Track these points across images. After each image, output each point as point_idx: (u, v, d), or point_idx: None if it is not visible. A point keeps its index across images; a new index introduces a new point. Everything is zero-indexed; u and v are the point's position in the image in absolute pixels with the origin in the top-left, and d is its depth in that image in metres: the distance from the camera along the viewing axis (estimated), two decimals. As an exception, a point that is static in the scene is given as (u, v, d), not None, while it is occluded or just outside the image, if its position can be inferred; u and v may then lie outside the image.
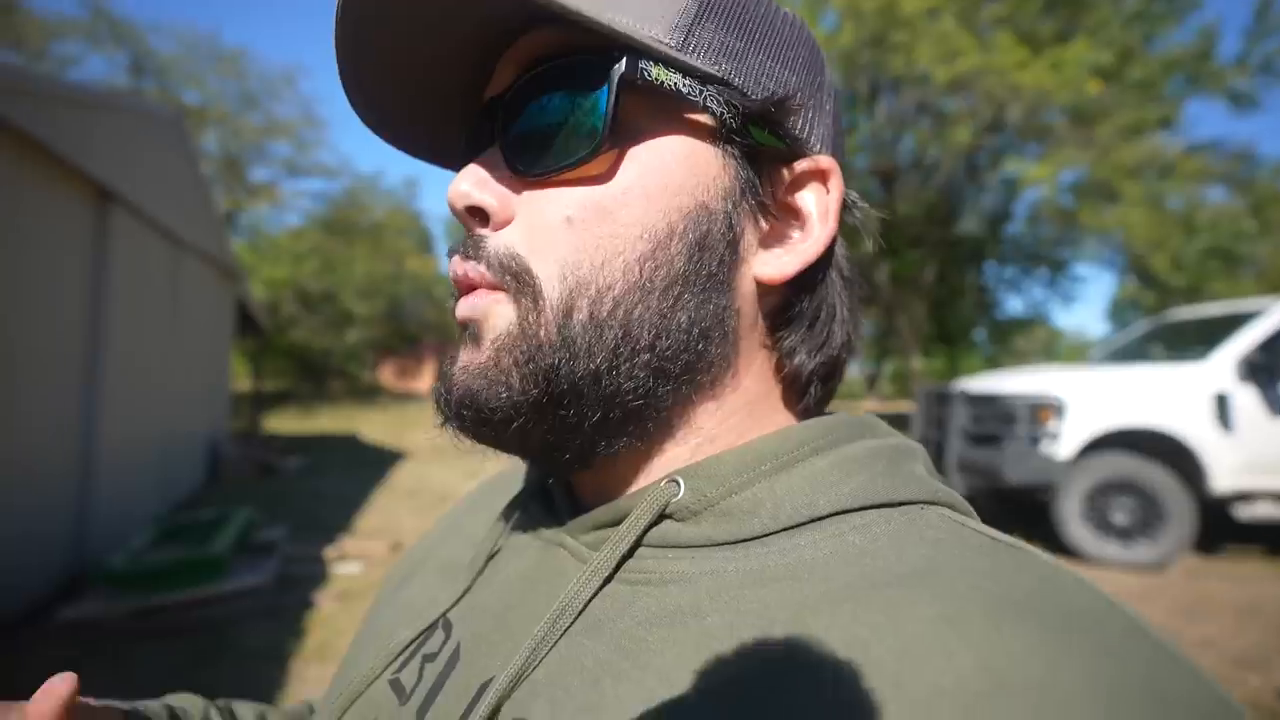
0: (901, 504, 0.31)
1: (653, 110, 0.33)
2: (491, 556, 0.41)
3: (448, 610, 0.39)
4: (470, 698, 0.32)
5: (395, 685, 0.36)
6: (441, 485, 7.57)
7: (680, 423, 0.35)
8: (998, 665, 0.22)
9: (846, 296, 0.39)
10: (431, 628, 0.38)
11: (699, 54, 0.32)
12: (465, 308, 0.34)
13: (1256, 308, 5.11)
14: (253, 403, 12.25)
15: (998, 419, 4.99)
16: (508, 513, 0.43)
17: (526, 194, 0.33)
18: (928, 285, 15.19)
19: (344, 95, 0.36)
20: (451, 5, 0.32)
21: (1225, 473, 4.59)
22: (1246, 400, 4.62)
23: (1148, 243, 12.39)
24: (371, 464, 9.24)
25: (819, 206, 0.35)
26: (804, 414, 0.39)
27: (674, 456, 0.35)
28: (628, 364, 0.32)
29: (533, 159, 0.33)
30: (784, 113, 0.33)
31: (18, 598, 3.48)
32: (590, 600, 0.32)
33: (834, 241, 0.37)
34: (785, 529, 0.30)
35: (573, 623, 0.31)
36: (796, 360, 0.37)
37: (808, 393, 0.38)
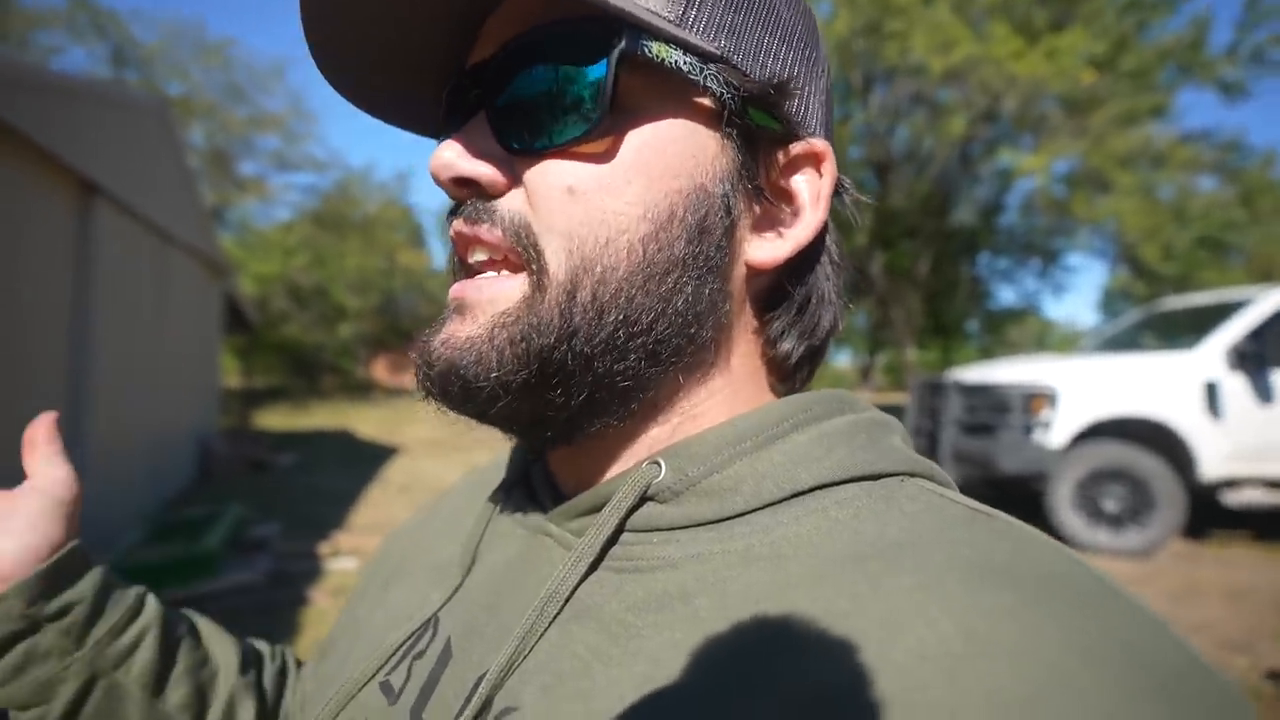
0: (881, 476, 0.31)
1: (651, 87, 0.31)
2: (474, 553, 0.41)
3: (437, 610, 0.39)
4: (467, 691, 0.31)
5: (385, 687, 0.36)
6: (435, 479, 7.55)
7: (665, 403, 0.34)
8: (976, 628, 0.23)
9: (836, 281, 0.38)
10: (421, 627, 0.38)
11: (698, 29, 0.31)
12: (471, 289, 0.33)
13: (1245, 296, 5.14)
14: (243, 399, 12.18)
15: (991, 409, 5.01)
16: (491, 504, 0.43)
17: (520, 165, 0.32)
18: (922, 277, 15.21)
19: (311, 59, 0.34)
20: None
21: (1215, 460, 4.63)
22: (1236, 388, 4.65)
23: (1140, 232, 12.47)
24: (365, 459, 9.20)
25: (811, 190, 0.35)
26: (787, 393, 0.38)
27: (655, 436, 0.35)
28: (622, 348, 0.31)
29: (524, 132, 0.31)
30: (784, 96, 0.33)
31: (6, 597, 3.44)
32: (577, 587, 0.32)
33: (825, 226, 0.36)
34: (767, 505, 0.30)
35: (560, 610, 0.31)
36: (784, 346, 0.36)
37: (795, 375, 0.38)
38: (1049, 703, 0.21)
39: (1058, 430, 4.71)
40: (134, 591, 0.45)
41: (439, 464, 8.58)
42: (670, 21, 0.31)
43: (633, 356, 0.32)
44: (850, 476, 0.31)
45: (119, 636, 0.42)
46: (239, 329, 11.00)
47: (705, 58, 0.31)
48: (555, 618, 0.31)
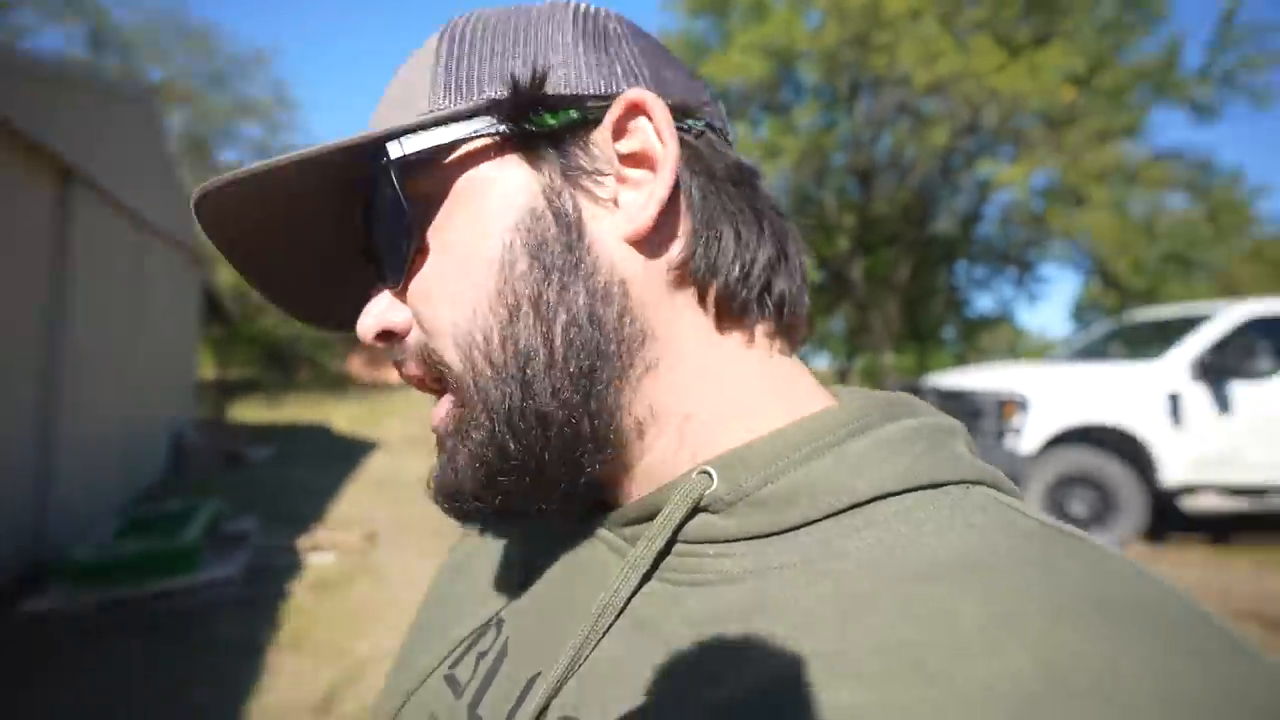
0: (944, 484, 0.30)
1: (438, 169, 0.34)
2: (534, 552, 0.41)
3: (501, 609, 0.39)
4: (518, 693, 0.33)
5: (450, 680, 0.38)
6: (414, 476, 7.50)
7: (660, 407, 0.33)
8: (1055, 663, 0.22)
9: (743, 198, 0.35)
10: (485, 625, 0.39)
11: (458, 99, 0.34)
12: (439, 424, 0.36)
13: (1209, 311, 5.35)
14: (218, 391, 11.95)
15: (966, 414, 5.14)
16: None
17: (408, 297, 0.36)
18: (902, 283, 15.46)
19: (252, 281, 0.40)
20: (291, 190, 0.34)
21: (1176, 467, 4.81)
22: (1198, 398, 4.84)
23: (1111, 246, 12.82)
24: (342, 454, 9.10)
25: (648, 136, 0.33)
26: (786, 343, 0.36)
27: (671, 445, 0.34)
28: (541, 384, 0.32)
29: (388, 270, 0.36)
30: (541, 91, 0.33)
31: (-25, 589, 3.37)
32: (631, 597, 0.31)
33: (691, 161, 0.34)
34: (825, 516, 0.29)
35: (615, 620, 0.31)
36: (719, 294, 0.34)
37: (763, 314, 0.35)
38: None
39: (1029, 436, 4.86)
40: None
41: (418, 460, 8.51)
42: (433, 111, 0.34)
43: (559, 386, 0.32)
44: (911, 485, 0.29)
45: None
46: (217, 320, 10.79)
47: (458, 116, 0.33)
48: (610, 627, 0.31)
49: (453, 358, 0.34)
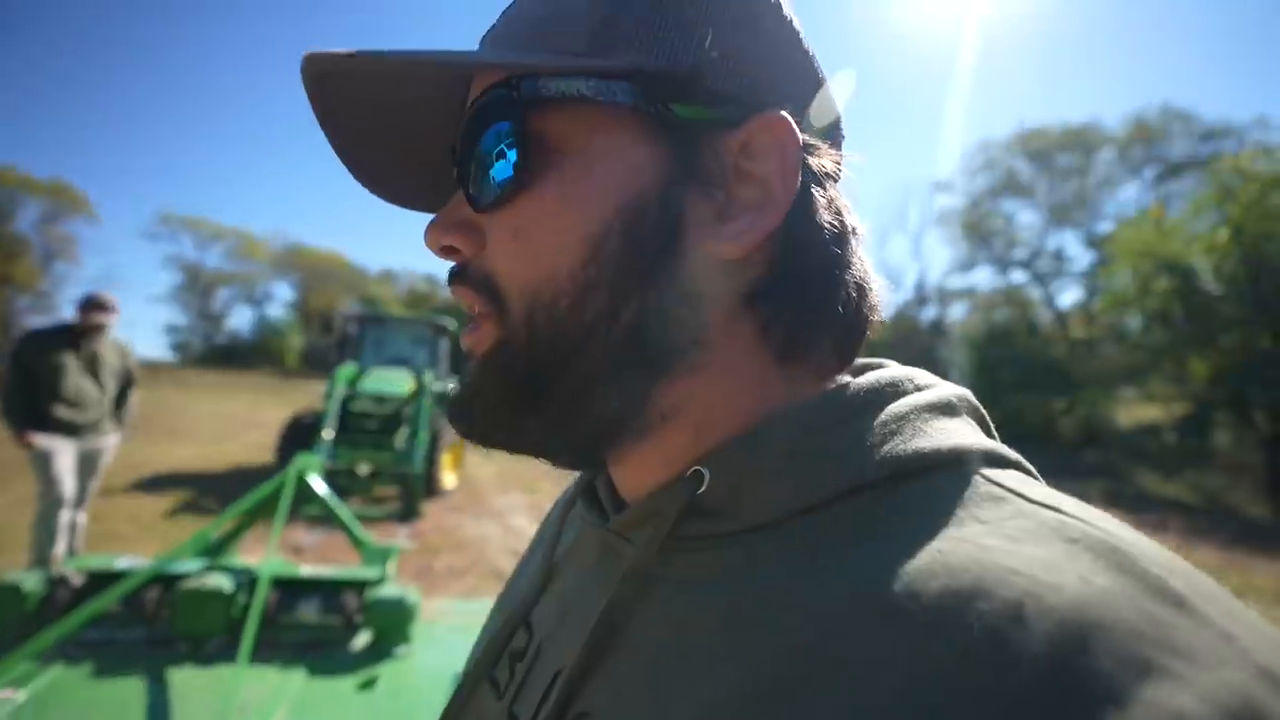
0: (909, 475, 0.30)
1: (568, 119, 0.33)
2: (555, 556, 0.43)
3: (529, 612, 0.41)
4: (543, 692, 0.35)
5: (493, 683, 0.40)
6: None
7: (681, 411, 0.34)
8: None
9: (843, 248, 0.36)
10: (517, 627, 0.41)
11: (611, 50, 0.33)
12: (470, 341, 0.37)
13: None
14: None
15: None
16: (565, 511, 0.46)
17: (487, 221, 0.36)
18: None
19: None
20: (394, 86, 0.37)
21: None
22: None
23: None
24: None
25: (776, 166, 0.33)
26: (829, 378, 0.36)
27: (684, 444, 0.35)
28: (587, 360, 0.33)
29: (481, 193, 0.35)
30: (701, 80, 0.32)
31: None
32: (635, 599, 0.33)
33: (809, 198, 0.34)
34: (799, 513, 0.30)
35: (622, 620, 0.33)
36: (785, 330, 0.34)
37: (815, 359, 0.35)
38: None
39: None
40: None
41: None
42: (580, 54, 0.33)
43: (604, 363, 0.33)
44: (870, 480, 0.30)
45: None
46: None
47: (610, 75, 0.32)
48: (617, 628, 0.33)
49: (516, 304, 0.34)
